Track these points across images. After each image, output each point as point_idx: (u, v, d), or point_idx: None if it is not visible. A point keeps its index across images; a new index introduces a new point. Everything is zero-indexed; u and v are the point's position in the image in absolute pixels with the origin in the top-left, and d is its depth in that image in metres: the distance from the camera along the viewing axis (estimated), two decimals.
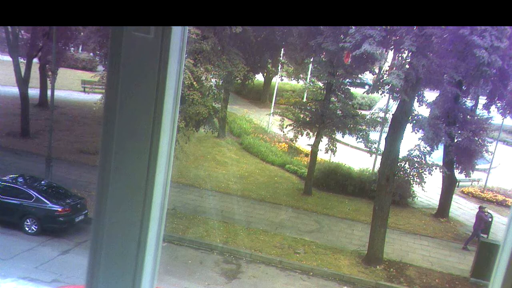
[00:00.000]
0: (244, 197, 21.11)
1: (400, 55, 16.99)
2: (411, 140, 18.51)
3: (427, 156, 18.55)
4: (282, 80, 37.54)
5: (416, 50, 14.94)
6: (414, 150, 18.58)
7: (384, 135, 18.62)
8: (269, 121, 30.91)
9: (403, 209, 21.62)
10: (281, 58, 30.09)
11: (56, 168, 19.64)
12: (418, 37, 14.93)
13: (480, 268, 16.20)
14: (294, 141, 23.06)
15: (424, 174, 18.51)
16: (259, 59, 27.12)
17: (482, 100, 20.18)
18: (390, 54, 20.14)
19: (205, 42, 17.36)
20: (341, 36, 17.20)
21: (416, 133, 18.26)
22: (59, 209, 16.41)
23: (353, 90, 22.82)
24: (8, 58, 25.13)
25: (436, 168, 18.80)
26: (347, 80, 23.14)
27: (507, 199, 23.83)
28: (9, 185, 17.02)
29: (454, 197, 22.44)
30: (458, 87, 18.39)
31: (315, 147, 21.40)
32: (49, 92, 24.35)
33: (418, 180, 18.61)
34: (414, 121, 17.88)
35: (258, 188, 22.11)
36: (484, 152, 21.21)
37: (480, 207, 19.52)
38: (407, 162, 18.51)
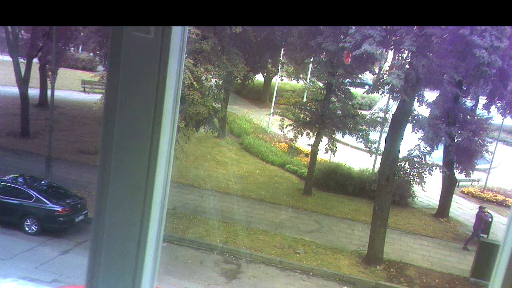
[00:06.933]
0: (244, 197, 21.11)
1: (400, 55, 16.98)
2: (411, 140, 18.51)
3: (427, 156, 18.54)
4: (282, 80, 37.53)
5: (416, 50, 14.94)
6: (414, 150, 18.57)
7: (384, 135, 18.62)
8: (269, 121, 30.91)
9: (403, 209, 21.62)
10: (281, 58, 30.08)
11: (56, 168, 19.64)
12: (418, 37, 14.93)
13: (480, 268, 16.19)
14: (294, 141, 23.06)
15: (424, 174, 18.51)
16: (259, 59, 27.11)
17: (482, 100, 20.18)
18: (390, 54, 20.13)
19: (205, 42, 17.36)
20: (341, 36, 17.19)
21: (416, 133, 18.25)
22: (59, 209, 16.41)
23: (353, 90, 22.82)
24: (8, 58, 25.13)
25: (436, 168, 18.79)
26: (347, 80, 23.14)
27: (507, 199, 23.83)
28: (9, 185, 17.01)
29: (454, 197, 22.44)
30: (458, 87, 18.39)
31: (315, 147, 21.40)
32: (49, 92, 24.35)
33: (418, 180, 18.61)
34: (414, 121, 17.88)
35: (258, 188, 22.11)
36: (484, 152, 21.22)
37: (480, 207, 19.52)
38: (407, 162, 18.51)
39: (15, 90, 25.27)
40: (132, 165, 1.32)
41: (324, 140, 21.40)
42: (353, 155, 25.02)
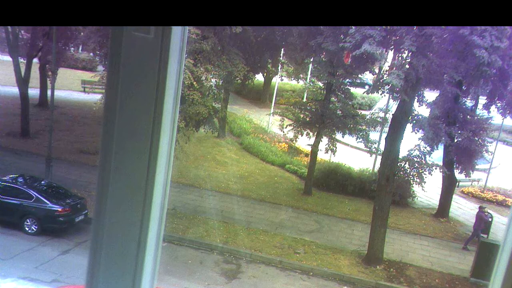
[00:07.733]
0: (244, 197, 21.11)
1: (400, 55, 16.98)
2: (411, 140, 18.51)
3: (427, 156, 18.54)
4: (282, 80, 37.54)
5: (416, 50, 14.94)
6: (414, 150, 18.58)
7: (384, 135, 18.62)
8: (269, 121, 30.91)
9: (403, 209, 21.62)
10: (281, 58, 30.08)
11: (56, 168, 19.64)
12: (418, 37, 14.93)
13: (480, 268, 16.19)
14: (294, 141, 23.06)
15: (424, 174, 18.50)
16: (259, 59, 27.11)
17: (482, 100, 20.18)
18: (390, 54, 20.13)
19: (205, 42, 17.36)
20: (341, 36, 17.20)
21: (416, 133, 18.25)
22: (59, 209, 16.41)
23: (353, 90, 22.82)
24: (8, 58, 25.13)
25: (436, 168, 18.79)
26: (347, 80, 23.14)
27: (507, 199, 23.83)
28: (9, 185, 17.01)
29: (454, 197, 22.44)
30: (458, 87, 18.39)
31: (315, 147, 21.40)
32: (49, 92, 24.35)
33: (418, 180, 18.61)
34: (414, 121, 17.88)
35: (258, 188, 22.11)
36: (484, 152, 21.22)
37: (480, 207, 19.52)
38: (407, 162, 18.51)
39: (15, 90, 25.27)
40: (132, 165, 1.33)
41: (324, 140, 21.40)
42: (353, 155, 25.02)
